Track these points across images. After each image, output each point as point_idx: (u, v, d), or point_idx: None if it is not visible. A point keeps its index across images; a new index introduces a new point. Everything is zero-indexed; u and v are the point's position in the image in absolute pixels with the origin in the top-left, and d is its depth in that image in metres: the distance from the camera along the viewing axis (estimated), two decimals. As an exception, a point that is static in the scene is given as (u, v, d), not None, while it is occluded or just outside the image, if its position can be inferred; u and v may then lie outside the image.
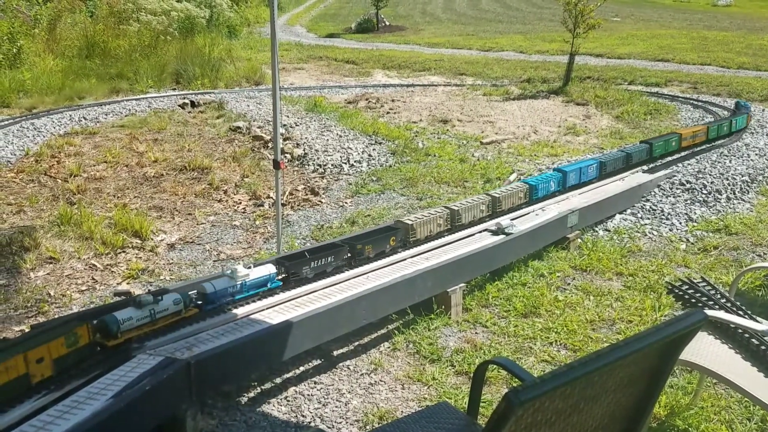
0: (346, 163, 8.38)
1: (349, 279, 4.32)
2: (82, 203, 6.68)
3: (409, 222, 4.90)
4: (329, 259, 4.31)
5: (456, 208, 5.21)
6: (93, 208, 6.60)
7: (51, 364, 3.01)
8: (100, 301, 4.73)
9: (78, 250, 5.57)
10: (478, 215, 5.38)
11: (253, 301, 3.93)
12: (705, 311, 2.67)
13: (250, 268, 3.92)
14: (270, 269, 4.01)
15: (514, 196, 5.73)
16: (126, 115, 10.90)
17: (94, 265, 5.37)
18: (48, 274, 5.18)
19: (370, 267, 4.51)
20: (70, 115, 10.57)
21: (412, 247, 4.86)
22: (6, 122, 9.96)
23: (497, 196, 5.58)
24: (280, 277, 4.10)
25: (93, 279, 5.13)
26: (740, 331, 2.99)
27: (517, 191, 5.78)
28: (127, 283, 5.08)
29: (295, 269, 4.13)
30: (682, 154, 8.02)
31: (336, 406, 3.57)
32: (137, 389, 2.91)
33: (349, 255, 4.47)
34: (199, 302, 3.77)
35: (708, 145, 8.55)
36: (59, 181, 7.45)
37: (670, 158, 7.79)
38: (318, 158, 8.55)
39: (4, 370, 2.82)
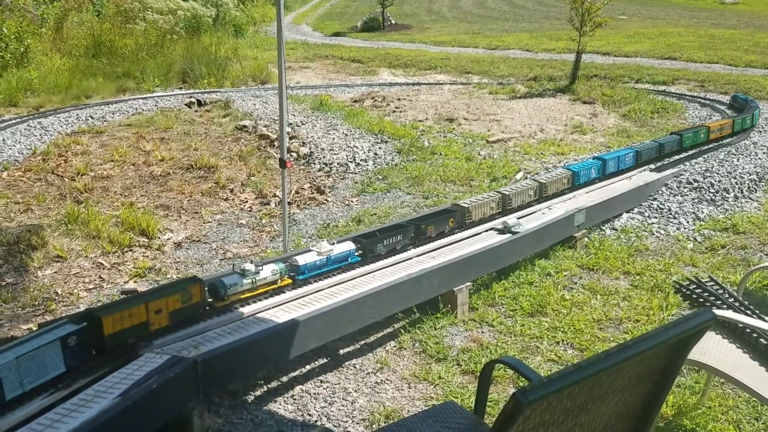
0: (352, 162, 8.38)
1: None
2: (89, 202, 6.70)
3: (466, 205, 5.29)
4: (398, 237, 4.76)
5: (507, 193, 5.62)
6: (100, 207, 6.63)
7: (167, 315, 3.49)
8: (107, 300, 4.74)
9: (85, 249, 5.58)
10: (526, 200, 5.81)
11: (261, 300, 3.93)
12: (713, 311, 2.66)
13: (333, 244, 4.37)
14: (350, 246, 4.44)
15: (559, 182, 6.15)
16: (133, 114, 10.93)
17: (101, 263, 5.39)
18: (55, 272, 5.20)
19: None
20: (77, 114, 10.61)
21: (468, 228, 5.26)
22: (13, 121, 10.00)
23: (544, 182, 5.98)
24: (358, 253, 4.48)
25: (100, 277, 5.15)
26: (748, 330, 2.98)
27: (562, 177, 6.19)
28: (134, 282, 5.10)
29: (371, 246, 4.56)
30: (690, 152, 8.01)
31: (342, 405, 3.57)
32: (144, 387, 2.92)
33: (413, 234, 4.89)
34: (291, 273, 4.15)
35: (735, 138, 8.85)
36: (66, 179, 7.48)
37: (678, 156, 7.80)
38: (324, 157, 8.55)
39: (129, 317, 3.32)
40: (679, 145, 7.81)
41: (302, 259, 4.15)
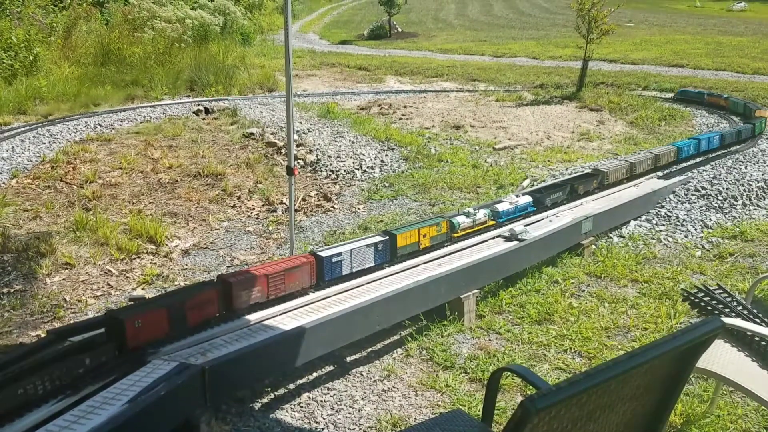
0: (358, 169, 8.40)
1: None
2: (97, 209, 6.74)
3: (605, 170, 6.61)
4: (559, 193, 6.05)
5: (633, 161, 6.92)
6: (108, 214, 6.66)
7: (429, 240, 4.90)
8: (115, 307, 4.76)
9: (93, 256, 5.61)
10: (646, 168, 7.09)
11: (269, 307, 3.94)
12: (721, 319, 2.65)
13: (518, 197, 5.71)
14: (529, 198, 5.77)
15: (668, 155, 7.46)
16: (141, 122, 10.98)
17: (109, 270, 5.41)
18: (64, 279, 5.23)
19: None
20: (86, 122, 10.67)
21: (606, 189, 6.51)
22: (22, 129, 10.07)
23: (658, 153, 7.28)
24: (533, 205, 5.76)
25: (108, 284, 5.17)
26: (757, 338, 2.96)
27: (669, 152, 7.49)
28: (142, 289, 5.12)
29: (542, 199, 5.84)
30: (698, 159, 8.02)
31: (349, 413, 3.56)
32: (152, 394, 2.92)
33: (569, 191, 6.13)
34: (493, 218, 5.40)
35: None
36: (75, 187, 7.52)
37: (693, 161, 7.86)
38: (331, 164, 8.57)
39: (407, 238, 4.71)
40: (752, 133, 9.15)
41: (501, 207, 5.51)
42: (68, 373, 3.00)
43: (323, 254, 4.22)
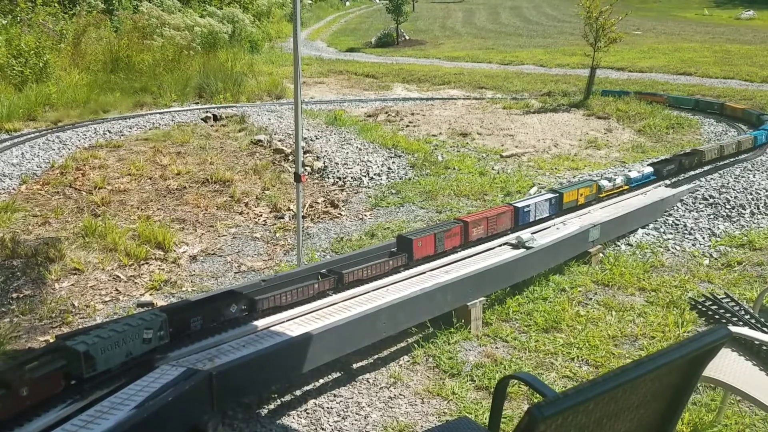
0: (365, 176, 8.42)
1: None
2: (106, 215, 6.77)
3: (704, 149, 8.00)
4: (671, 166, 7.39)
5: (723, 145, 8.25)
6: (117, 220, 6.70)
7: (584, 198, 6.14)
8: (123, 312, 4.78)
9: (102, 262, 5.64)
10: (731, 151, 8.31)
11: (274, 314, 3.95)
12: (729, 327, 2.64)
13: (639, 173, 6.91)
14: (651, 169, 7.08)
15: (747, 142, 8.56)
16: (150, 129, 11.05)
17: (117, 276, 5.44)
18: (72, 285, 5.26)
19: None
20: (95, 129, 10.74)
21: (704, 166, 7.92)
22: (32, 135, 10.15)
23: (740, 140, 8.51)
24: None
25: (116, 290, 5.20)
26: (765, 347, 2.95)
27: (748, 139, 8.66)
28: (150, 295, 5.14)
29: (661, 170, 7.21)
30: (705, 168, 8.00)
31: (355, 420, 3.57)
32: (160, 400, 2.94)
33: (679, 165, 7.47)
34: (627, 183, 6.72)
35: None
36: (84, 193, 7.56)
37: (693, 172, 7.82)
38: (338, 171, 8.60)
39: (570, 196, 6.00)
40: None
41: (632, 174, 6.82)
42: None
43: (518, 205, 5.53)
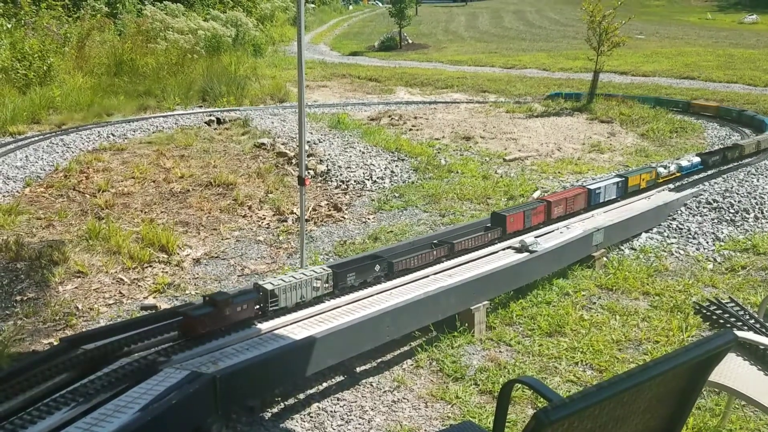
0: (368, 180, 8.42)
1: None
2: (110, 218, 6.79)
3: (743, 143, 8.60)
4: (717, 157, 7.95)
5: (760, 139, 8.79)
6: (121, 223, 6.71)
7: (645, 182, 6.79)
8: (127, 315, 4.78)
9: (106, 265, 5.65)
10: (753, 149, 8.66)
11: (278, 317, 3.95)
12: (733, 332, 2.63)
13: (689, 162, 7.54)
14: (699, 159, 7.70)
15: None
16: (153, 132, 11.07)
17: (121, 279, 5.45)
18: (76, 287, 5.27)
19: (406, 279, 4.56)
20: (99, 132, 10.76)
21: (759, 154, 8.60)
22: (36, 138, 10.18)
23: None
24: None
25: (120, 293, 5.21)
26: (770, 352, 2.94)
27: None
28: (154, 297, 5.14)
29: (713, 159, 7.83)
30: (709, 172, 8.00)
31: (359, 424, 3.56)
32: (164, 403, 2.94)
33: (738, 153, 8.22)
34: (679, 171, 7.35)
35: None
36: (88, 196, 7.58)
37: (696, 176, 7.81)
38: (341, 174, 8.60)
39: (634, 180, 6.50)
40: None
41: (683, 163, 7.47)
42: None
43: (591, 187, 6.15)
